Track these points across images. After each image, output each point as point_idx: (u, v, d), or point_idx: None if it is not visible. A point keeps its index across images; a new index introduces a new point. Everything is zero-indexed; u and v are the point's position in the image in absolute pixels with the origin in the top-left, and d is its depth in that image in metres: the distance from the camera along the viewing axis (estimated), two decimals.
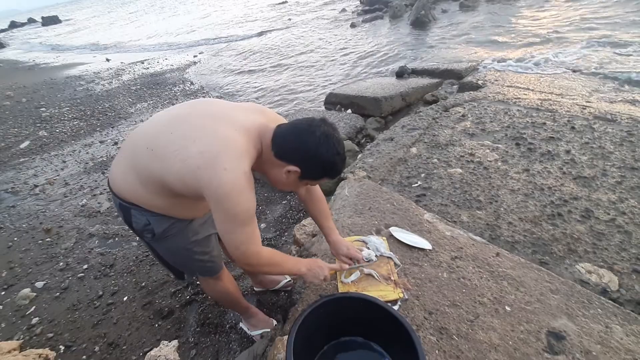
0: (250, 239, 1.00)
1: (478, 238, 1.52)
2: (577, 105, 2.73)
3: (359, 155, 2.50)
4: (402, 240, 1.48)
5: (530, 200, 1.75)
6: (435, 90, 3.87)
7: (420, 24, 7.13)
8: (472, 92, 3.25)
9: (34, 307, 1.90)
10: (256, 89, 5.55)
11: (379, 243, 1.46)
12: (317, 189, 1.31)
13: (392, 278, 1.31)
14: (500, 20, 6.69)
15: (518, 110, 2.73)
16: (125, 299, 1.86)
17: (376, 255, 1.41)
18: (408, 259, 1.40)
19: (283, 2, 15.39)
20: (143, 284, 1.94)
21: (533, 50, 4.90)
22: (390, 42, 6.64)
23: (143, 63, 8.69)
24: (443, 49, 5.72)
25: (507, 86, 3.38)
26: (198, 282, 1.89)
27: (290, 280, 1.81)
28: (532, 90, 3.24)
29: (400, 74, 4.47)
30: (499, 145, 2.26)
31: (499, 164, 2.07)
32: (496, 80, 3.61)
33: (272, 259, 1.07)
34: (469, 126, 2.56)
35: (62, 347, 1.62)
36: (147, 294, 1.87)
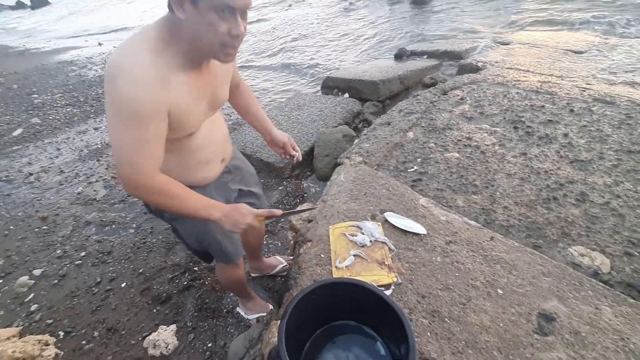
0: (138, 151, 0.81)
1: (473, 222, 1.52)
2: (577, 87, 2.69)
3: (356, 141, 2.48)
4: (396, 225, 1.48)
5: (526, 184, 1.74)
6: (434, 73, 3.81)
7: (420, 2, 6.95)
8: (471, 74, 3.20)
9: (32, 294, 1.92)
10: (248, 74, 5.45)
11: (373, 228, 1.46)
12: (243, 84, 1.28)
13: (386, 263, 1.32)
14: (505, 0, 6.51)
15: (517, 92, 2.69)
16: (123, 285, 1.88)
17: (370, 241, 1.41)
18: (402, 244, 1.41)
19: None
20: (141, 271, 1.95)
21: (537, 30, 4.79)
22: (388, 23, 6.49)
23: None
24: (443, 29, 5.60)
25: (507, 68, 3.32)
26: (195, 268, 1.90)
27: (286, 265, 1.82)
28: (532, 72, 3.18)
29: (399, 56, 4.38)
30: (497, 129, 2.24)
31: (496, 147, 2.05)
32: (496, 62, 3.54)
33: (167, 187, 0.90)
34: (467, 110, 2.52)
35: (61, 333, 1.65)
36: (145, 280, 1.89)
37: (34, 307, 1.82)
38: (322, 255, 1.41)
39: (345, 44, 5.97)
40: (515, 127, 2.23)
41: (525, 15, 5.57)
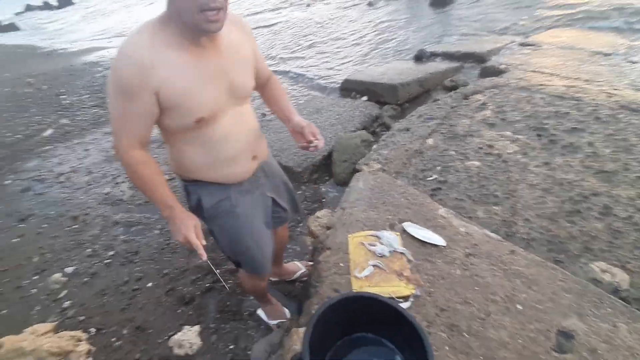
0: (120, 123, 0.91)
1: (493, 235, 1.51)
2: (604, 92, 2.61)
3: (374, 146, 2.49)
4: (415, 235, 1.50)
5: (549, 195, 1.72)
6: (455, 75, 3.76)
7: (440, 3, 6.83)
8: (493, 77, 3.15)
9: (65, 291, 2.03)
10: None
11: (392, 239, 1.48)
12: (273, 77, 1.29)
13: (405, 274, 1.34)
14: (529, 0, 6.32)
15: (541, 98, 2.64)
16: (149, 285, 1.96)
17: (389, 251, 1.43)
18: (421, 255, 1.42)
19: None
20: (165, 271, 2.03)
21: (563, 30, 4.64)
22: (408, 23, 6.41)
23: None
24: (465, 30, 5.49)
25: (532, 71, 3.24)
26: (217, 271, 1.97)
27: (305, 271, 1.87)
28: (558, 75, 3.10)
29: (419, 57, 4.34)
30: (520, 137, 2.21)
31: (519, 156, 2.03)
32: (520, 65, 3.46)
33: (138, 167, 0.95)
34: (488, 115, 2.49)
35: (93, 330, 1.74)
36: (169, 281, 1.97)
37: (67, 304, 1.93)
38: (341, 264, 1.44)
39: (363, 44, 5.95)
40: (539, 135, 2.19)
41: (550, 15, 5.39)
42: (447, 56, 4.31)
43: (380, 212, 1.69)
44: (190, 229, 0.97)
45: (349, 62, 5.36)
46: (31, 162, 3.76)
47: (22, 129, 4.67)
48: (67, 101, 5.50)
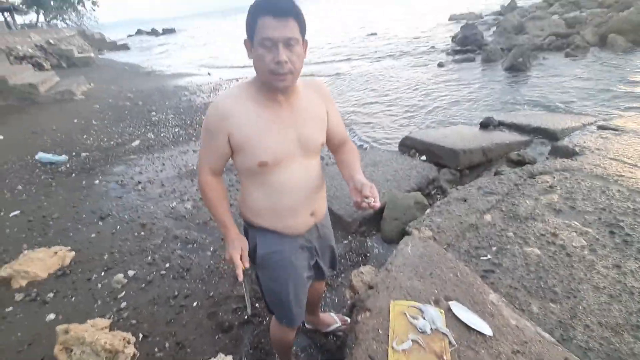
0: (202, 153, 1.15)
1: (547, 335, 1.42)
2: None
3: (427, 211, 2.49)
4: (460, 318, 1.46)
5: (615, 303, 1.57)
6: (523, 149, 3.66)
7: (515, 70, 6.80)
8: (565, 159, 3.02)
9: (124, 292, 2.25)
10: None
11: (436, 316, 1.46)
12: (349, 143, 1.35)
13: (445, 358, 1.30)
14: (614, 76, 6.05)
15: (619, 191, 2.46)
16: (194, 304, 2.10)
17: (431, 329, 1.41)
18: (464, 341, 1.37)
19: (373, 34, 15.92)
20: (211, 294, 2.17)
21: None
22: (479, 88, 6.45)
23: (238, 80, 9.71)
24: (538, 102, 5.37)
25: (610, 158, 3.05)
26: (257, 305, 2.06)
27: (340, 326, 1.87)
28: None
29: (486, 124, 4.32)
30: (589, 230, 2.07)
31: (586, 252, 1.90)
32: (597, 149, 3.28)
33: (206, 188, 1.17)
34: (555, 200, 2.38)
35: (140, 335, 1.90)
36: (213, 304, 2.09)
37: (123, 304, 2.14)
38: (379, 331, 1.44)
39: (429, 103, 6.07)
40: (612, 232, 2.03)
41: (636, 97, 5.09)
42: (516, 127, 4.22)
43: (426, 283, 1.67)
44: (237, 250, 1.13)
45: (412, 118, 5.49)
46: (118, 167, 4.32)
47: (116, 136, 5.41)
48: (156, 118, 6.29)
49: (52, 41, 16.10)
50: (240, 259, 1.12)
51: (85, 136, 5.52)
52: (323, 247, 1.39)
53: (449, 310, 1.51)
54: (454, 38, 10.82)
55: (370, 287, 1.86)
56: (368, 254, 2.49)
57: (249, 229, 1.26)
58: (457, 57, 8.72)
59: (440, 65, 8.39)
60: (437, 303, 1.57)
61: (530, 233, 2.07)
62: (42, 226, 3.07)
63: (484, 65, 7.93)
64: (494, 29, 11.91)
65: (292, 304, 1.29)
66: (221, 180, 1.22)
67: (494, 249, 1.95)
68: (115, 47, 25.00)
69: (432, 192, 3.16)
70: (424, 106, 5.93)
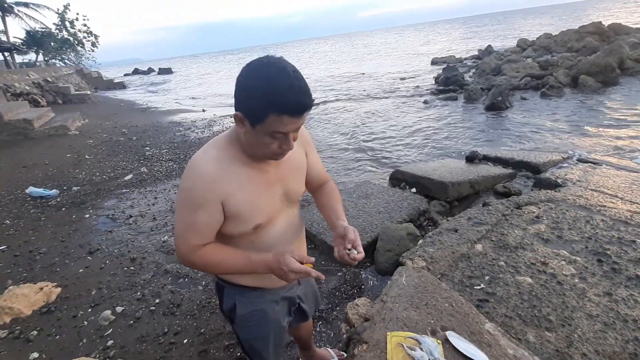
0: (186, 231, 0.96)
1: None
2: None
3: (420, 242, 2.53)
4: (458, 348, 1.44)
5: (610, 331, 1.59)
6: (508, 182, 3.79)
7: (496, 108, 7.19)
8: (549, 191, 3.14)
9: (111, 329, 2.16)
10: (322, 157, 5.96)
11: (433, 347, 1.44)
12: (329, 184, 1.29)
13: None
14: (587, 113, 6.44)
15: (602, 220, 2.56)
16: (185, 341, 2.03)
17: (429, 359, 1.39)
18: None
19: (361, 74, 16.76)
20: (202, 330, 2.10)
21: (624, 150, 4.59)
22: (462, 124, 6.76)
23: (231, 117, 9.94)
24: (519, 138, 5.64)
25: (592, 190, 3.19)
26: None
27: None
28: (622, 198, 3.01)
29: (471, 158, 4.48)
30: (577, 259, 2.12)
31: (576, 280, 1.93)
32: (578, 181, 3.43)
33: (206, 260, 0.98)
34: (543, 230, 2.45)
35: None
36: (204, 341, 2.02)
37: (110, 342, 2.05)
38: None
39: (416, 138, 6.30)
40: (600, 261, 2.09)
41: (611, 131, 5.39)
42: (500, 161, 4.40)
43: (422, 313, 1.67)
44: (290, 262, 0.93)
45: (399, 151, 5.67)
46: (110, 200, 4.29)
47: (109, 171, 5.41)
48: (149, 152, 6.34)
49: (49, 79, 16.44)
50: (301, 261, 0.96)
51: (77, 170, 5.51)
52: (307, 291, 1.41)
53: (446, 341, 1.50)
54: (437, 79, 11.45)
55: (366, 319, 1.84)
56: (362, 286, 2.47)
57: (226, 287, 1.18)
58: (441, 96, 9.19)
59: (425, 102, 8.81)
60: (433, 333, 1.56)
61: (521, 262, 2.10)
62: (28, 261, 2.98)
63: (466, 103, 8.36)
64: (473, 70, 12.69)
65: (270, 354, 1.28)
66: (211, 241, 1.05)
67: (486, 278, 1.98)
68: (112, 85, 25.61)
69: (424, 223, 3.21)
70: (411, 141, 6.14)
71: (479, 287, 1.90)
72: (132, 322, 2.21)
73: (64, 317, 2.27)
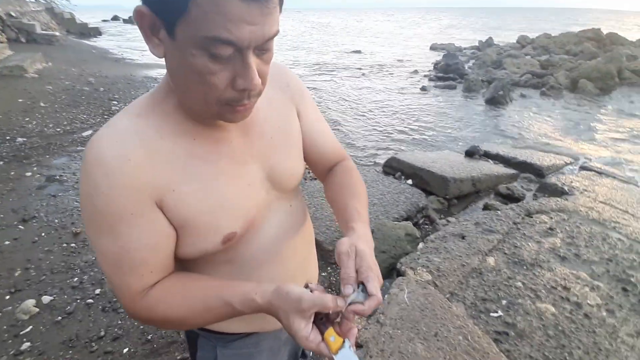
0: (116, 268, 0.54)
1: None
2: None
3: (420, 246, 2.18)
4: None
5: None
6: (510, 183, 3.50)
7: (496, 102, 6.88)
8: (558, 199, 2.85)
9: (30, 327, 1.70)
10: None
11: None
12: (343, 164, 0.80)
13: None
14: (587, 119, 6.27)
15: (619, 239, 2.29)
16: (125, 351, 1.60)
17: None
18: None
19: (357, 52, 16.01)
20: (149, 337, 1.68)
21: (625, 161, 4.41)
22: (461, 116, 6.42)
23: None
24: (520, 135, 5.38)
25: (601, 202, 2.94)
26: None
27: None
28: (633, 215, 2.77)
29: (471, 153, 4.16)
30: (600, 284, 1.84)
31: (604, 313, 1.64)
32: (585, 190, 3.17)
33: (168, 312, 0.56)
34: (558, 245, 2.16)
35: None
36: (150, 352, 1.60)
37: (25, 346, 1.59)
38: None
39: (410, 125, 5.92)
40: (625, 290, 1.81)
41: (610, 141, 5.23)
42: (501, 159, 4.10)
43: (431, 349, 1.32)
44: (304, 320, 0.51)
45: (394, 139, 5.28)
46: (60, 158, 3.67)
47: (65, 123, 4.71)
48: (116, 108, 5.62)
49: (13, 13, 14.63)
50: (317, 322, 0.53)
51: (27, 119, 4.75)
52: None
53: None
54: (436, 65, 11.00)
55: (359, 346, 1.48)
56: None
57: (201, 337, 0.75)
58: (439, 83, 8.78)
59: (423, 89, 8.39)
60: None
61: (540, 284, 1.79)
62: None
63: (465, 94, 8.01)
64: (472, 61, 12.30)
65: None
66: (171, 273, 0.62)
67: (503, 302, 1.65)
68: (85, 29, 23.35)
69: (420, 222, 2.87)
70: (405, 128, 5.76)
71: (496, 315, 1.57)
72: (60, 318, 1.75)
73: None
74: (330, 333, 0.53)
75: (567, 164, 4.14)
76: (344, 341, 0.54)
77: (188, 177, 0.56)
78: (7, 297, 1.86)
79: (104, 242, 0.52)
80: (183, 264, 0.64)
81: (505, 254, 2.03)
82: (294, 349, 0.94)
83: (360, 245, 0.55)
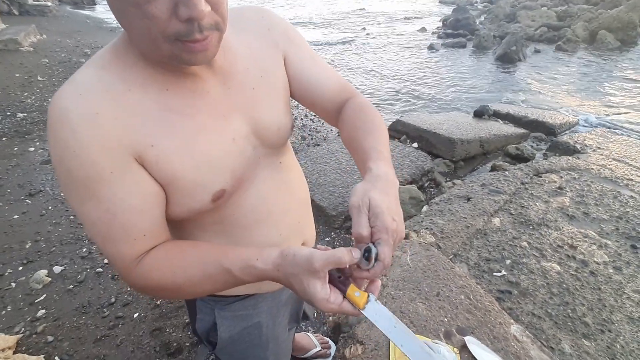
0: (105, 234, 0.51)
1: None
2: None
3: (425, 208, 2.15)
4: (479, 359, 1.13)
5: None
6: (520, 143, 3.39)
7: (508, 59, 6.53)
8: (569, 157, 2.76)
9: (44, 295, 1.76)
10: None
11: (450, 357, 1.12)
12: (353, 100, 0.73)
13: None
14: (604, 74, 5.93)
15: (631, 197, 2.22)
16: (135, 315, 1.66)
17: None
18: None
19: (361, 9, 15.18)
20: (158, 302, 1.73)
21: None
22: (471, 74, 6.14)
23: None
24: (531, 93, 5.14)
25: (614, 159, 2.83)
26: None
27: (320, 351, 1.51)
28: None
29: (480, 113, 4.01)
30: (608, 242, 1.80)
31: (610, 270, 1.62)
32: (598, 148, 3.06)
33: (163, 280, 0.53)
34: (567, 204, 2.10)
35: (56, 359, 1.44)
36: (159, 317, 1.66)
37: (40, 313, 1.66)
38: None
39: (417, 85, 5.70)
40: (634, 247, 1.78)
41: (627, 96, 4.97)
42: (511, 119, 3.95)
43: (432, 308, 1.33)
44: (320, 280, 0.48)
45: (400, 101, 5.11)
46: None
47: None
48: None
49: None
50: (334, 281, 0.50)
51: (26, 94, 4.71)
52: None
53: (463, 347, 1.18)
54: (444, 21, 10.40)
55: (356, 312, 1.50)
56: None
57: (199, 300, 0.76)
58: (448, 40, 8.33)
59: (430, 48, 7.99)
60: (448, 337, 1.23)
61: (546, 243, 1.77)
62: None
63: (476, 51, 7.61)
64: (484, 15, 11.58)
65: None
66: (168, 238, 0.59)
67: (507, 262, 1.64)
68: None
69: (425, 185, 2.82)
70: (412, 89, 5.55)
71: (499, 274, 1.56)
72: (72, 286, 1.81)
73: None
74: (354, 289, 0.51)
75: (580, 122, 3.98)
76: (368, 295, 0.52)
77: (166, 132, 0.52)
78: (20, 268, 1.92)
79: (87, 208, 0.50)
80: (173, 227, 0.62)
81: (511, 214, 1.99)
82: (295, 309, 0.95)
83: (374, 195, 0.49)
